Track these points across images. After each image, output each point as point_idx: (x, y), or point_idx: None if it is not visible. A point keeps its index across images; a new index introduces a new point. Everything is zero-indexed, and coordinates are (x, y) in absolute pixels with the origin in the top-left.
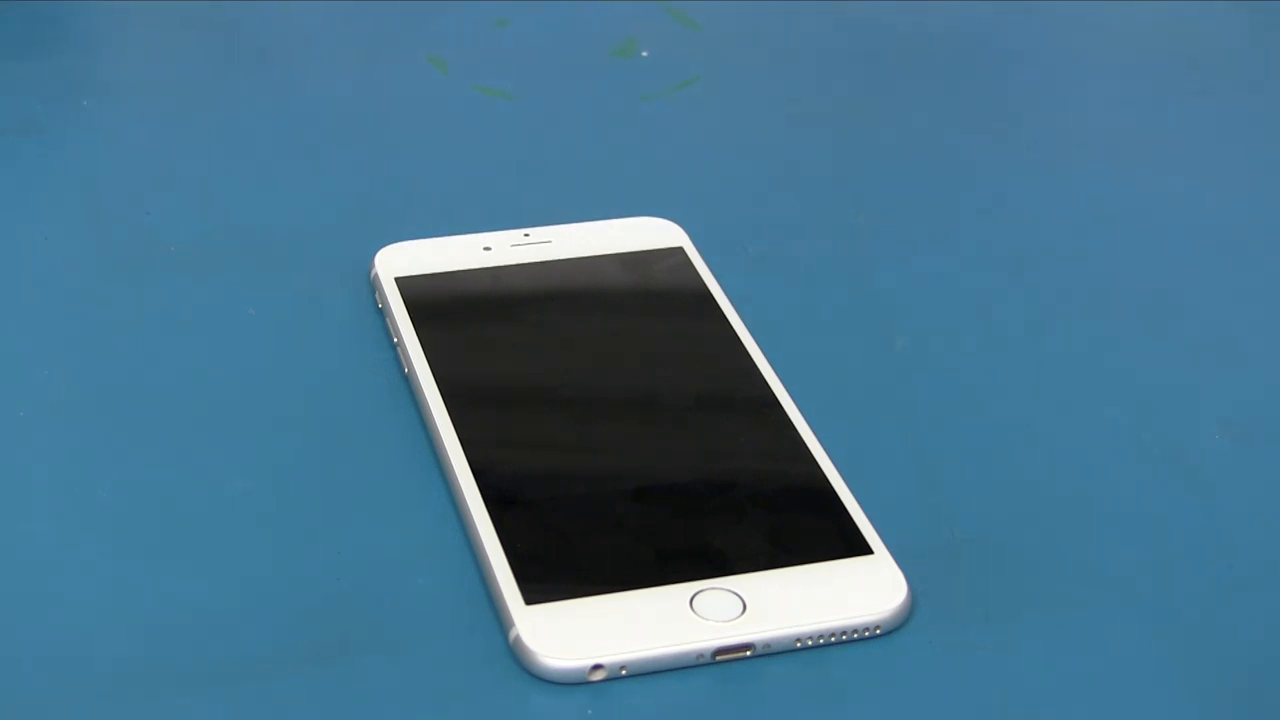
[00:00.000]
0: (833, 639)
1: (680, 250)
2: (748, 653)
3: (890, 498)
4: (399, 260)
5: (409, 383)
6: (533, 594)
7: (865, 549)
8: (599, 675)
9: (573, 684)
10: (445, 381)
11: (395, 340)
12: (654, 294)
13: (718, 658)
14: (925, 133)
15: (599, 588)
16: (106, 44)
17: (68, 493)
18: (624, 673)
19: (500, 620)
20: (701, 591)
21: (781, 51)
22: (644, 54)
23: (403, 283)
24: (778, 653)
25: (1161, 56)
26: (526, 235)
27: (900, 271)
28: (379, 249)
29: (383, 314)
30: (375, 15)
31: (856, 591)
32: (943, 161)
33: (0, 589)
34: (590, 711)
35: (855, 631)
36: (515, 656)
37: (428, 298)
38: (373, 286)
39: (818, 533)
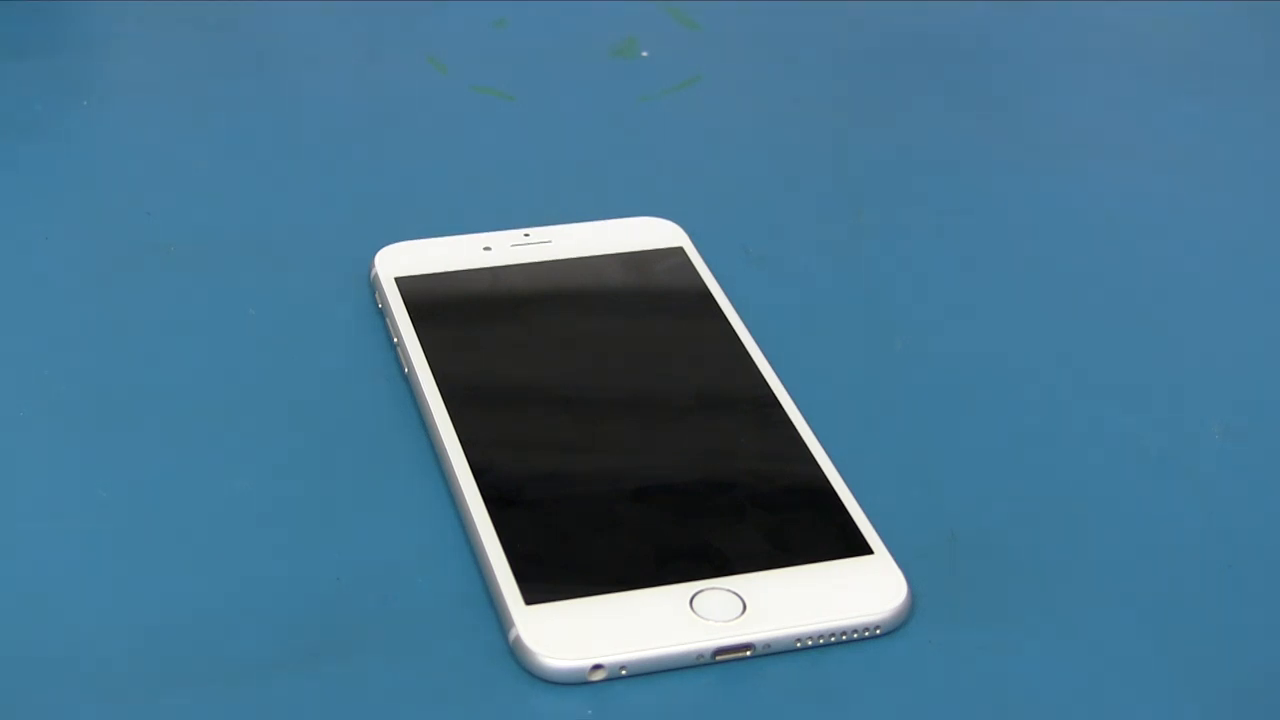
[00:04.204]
0: (833, 639)
1: (680, 250)
2: (748, 653)
3: (890, 498)
4: (399, 260)
5: (409, 383)
6: (533, 594)
7: (865, 549)
8: (599, 675)
9: (573, 684)
10: (445, 381)
11: (395, 340)
12: (654, 294)
13: (718, 658)
14: (925, 132)
15: (599, 588)
16: (106, 44)
17: (68, 493)
18: (624, 673)
19: (500, 620)
20: (701, 591)
21: (781, 51)
22: (644, 54)
23: (403, 283)
24: (778, 653)
25: (1161, 56)
26: (526, 235)
27: (900, 271)
28: (379, 249)
29: (383, 314)
30: (375, 16)
31: (856, 591)
32: (943, 161)
33: (0, 589)
34: (590, 711)
35: (855, 631)
36: (515, 656)
37: (428, 298)
38: (373, 286)
39: (818, 533)
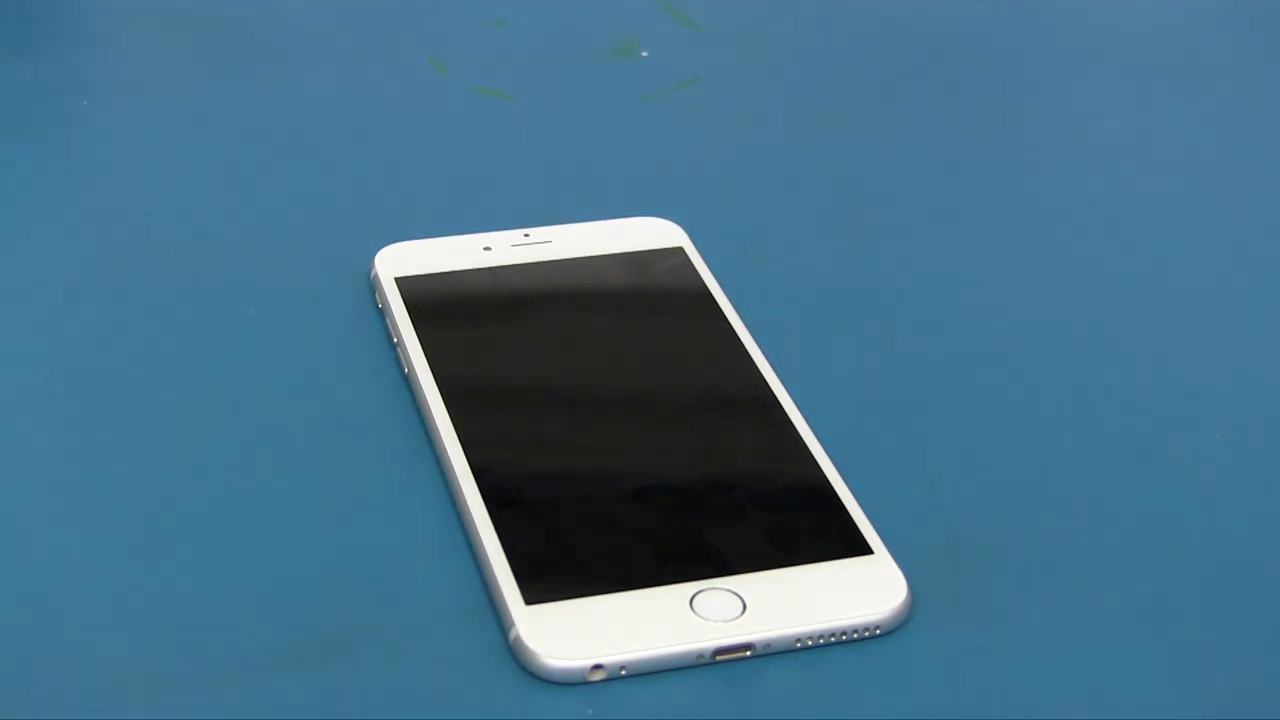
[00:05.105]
0: (833, 639)
1: (680, 250)
2: (748, 653)
3: (890, 498)
4: (399, 260)
5: (409, 383)
6: (533, 594)
7: (865, 549)
8: (599, 675)
9: (573, 684)
10: (445, 381)
11: (395, 340)
12: (654, 294)
13: (718, 658)
14: (926, 132)
15: (599, 588)
16: (106, 44)
17: (67, 493)
18: (624, 673)
19: (500, 620)
20: (701, 591)
21: (781, 51)
22: (644, 54)
23: (403, 283)
24: (778, 653)
25: (1161, 56)
26: (526, 235)
27: (900, 271)
28: (379, 249)
29: (383, 314)
30: (375, 15)
31: (856, 591)
32: (943, 161)
33: (0, 589)
34: (590, 711)
35: (855, 631)
36: (515, 656)
37: (428, 298)
38: (373, 286)
39: (818, 533)
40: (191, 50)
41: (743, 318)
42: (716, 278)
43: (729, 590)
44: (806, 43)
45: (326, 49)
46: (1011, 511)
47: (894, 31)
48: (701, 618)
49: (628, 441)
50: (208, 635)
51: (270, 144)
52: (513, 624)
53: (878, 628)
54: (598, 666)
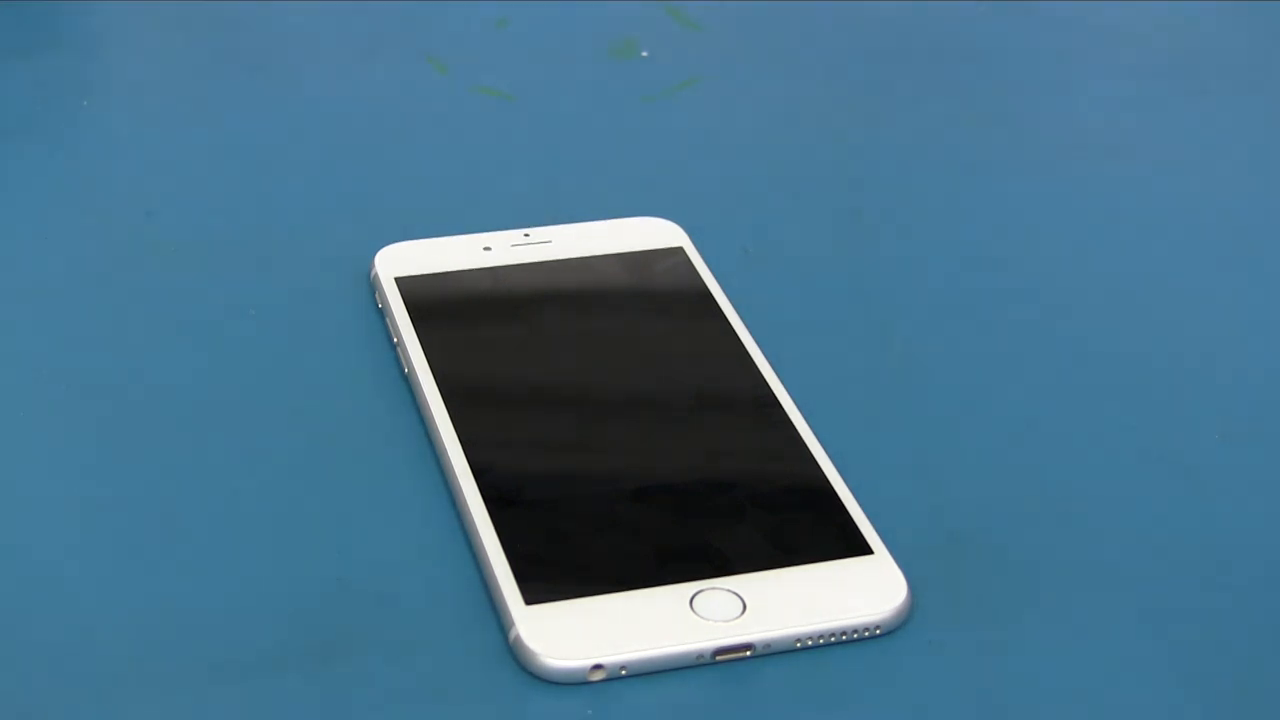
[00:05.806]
0: (833, 639)
1: (680, 250)
2: (748, 653)
3: (890, 498)
4: (399, 260)
5: (409, 383)
6: (533, 594)
7: (865, 549)
8: (599, 675)
9: (573, 684)
10: (445, 381)
11: (395, 340)
12: (654, 294)
13: (718, 658)
14: (925, 133)
15: (599, 588)
16: (106, 44)
17: (67, 492)
18: (624, 673)
19: (500, 620)
20: (701, 591)
21: (781, 51)
22: (644, 54)
23: (403, 283)
24: (778, 653)
25: (1161, 56)
26: (526, 235)
27: (900, 271)
28: (379, 249)
29: (383, 314)
30: (374, 16)
31: (856, 591)
32: (942, 161)
33: (1, 589)
34: (590, 711)
35: (855, 631)
36: (515, 656)
37: (428, 298)
38: (373, 286)
39: (818, 533)
40: (191, 50)
41: (743, 318)
42: (716, 278)
43: (729, 590)
44: (806, 43)
45: (326, 49)
46: (1011, 512)
47: (894, 31)
48: (701, 618)
49: (628, 441)
50: (207, 635)
51: (270, 144)
52: (513, 624)
53: (878, 628)
54: (598, 666)
